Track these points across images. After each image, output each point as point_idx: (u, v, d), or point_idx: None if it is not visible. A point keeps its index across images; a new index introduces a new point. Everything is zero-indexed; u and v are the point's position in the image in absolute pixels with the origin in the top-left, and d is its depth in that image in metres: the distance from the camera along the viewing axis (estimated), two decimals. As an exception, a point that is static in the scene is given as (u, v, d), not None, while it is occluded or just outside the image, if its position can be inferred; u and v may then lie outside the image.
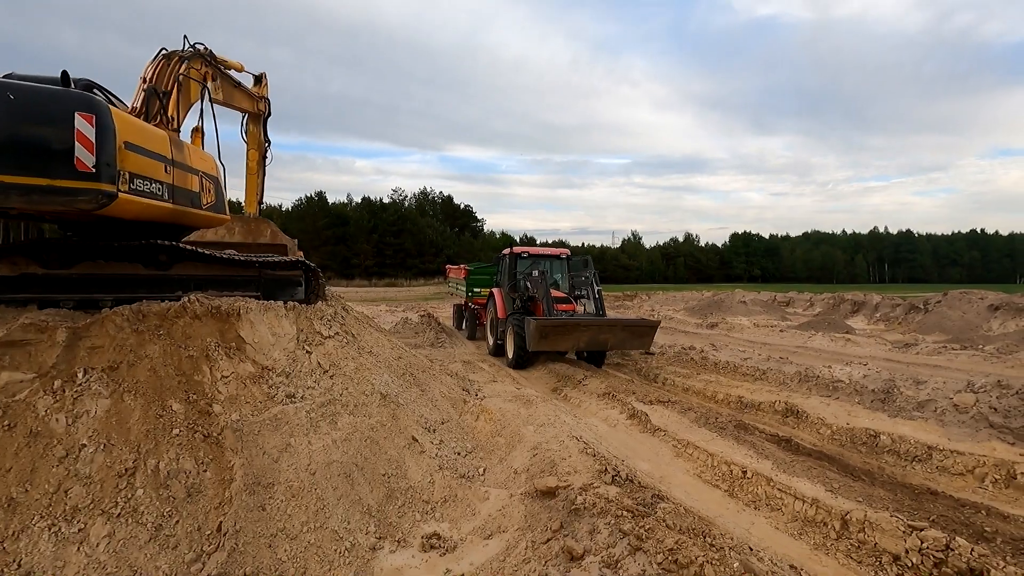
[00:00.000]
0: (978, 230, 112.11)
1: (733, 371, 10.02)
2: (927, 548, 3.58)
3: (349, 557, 3.59)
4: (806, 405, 7.29)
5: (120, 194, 3.63)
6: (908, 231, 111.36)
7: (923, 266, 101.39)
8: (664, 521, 3.61)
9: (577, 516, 3.76)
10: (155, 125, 4.81)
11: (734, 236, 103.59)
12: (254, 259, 5.31)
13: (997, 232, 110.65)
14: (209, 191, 5.12)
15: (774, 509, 4.64)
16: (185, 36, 5.55)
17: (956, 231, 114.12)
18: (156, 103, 4.94)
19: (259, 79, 7.40)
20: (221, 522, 3.49)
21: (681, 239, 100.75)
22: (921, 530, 3.73)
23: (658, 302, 32.46)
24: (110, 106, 3.65)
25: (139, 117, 4.77)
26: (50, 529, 3.16)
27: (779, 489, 4.75)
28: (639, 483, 4.50)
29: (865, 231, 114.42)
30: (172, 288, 4.75)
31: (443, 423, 5.67)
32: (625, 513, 3.66)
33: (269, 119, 7.66)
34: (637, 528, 3.47)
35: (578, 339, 9.83)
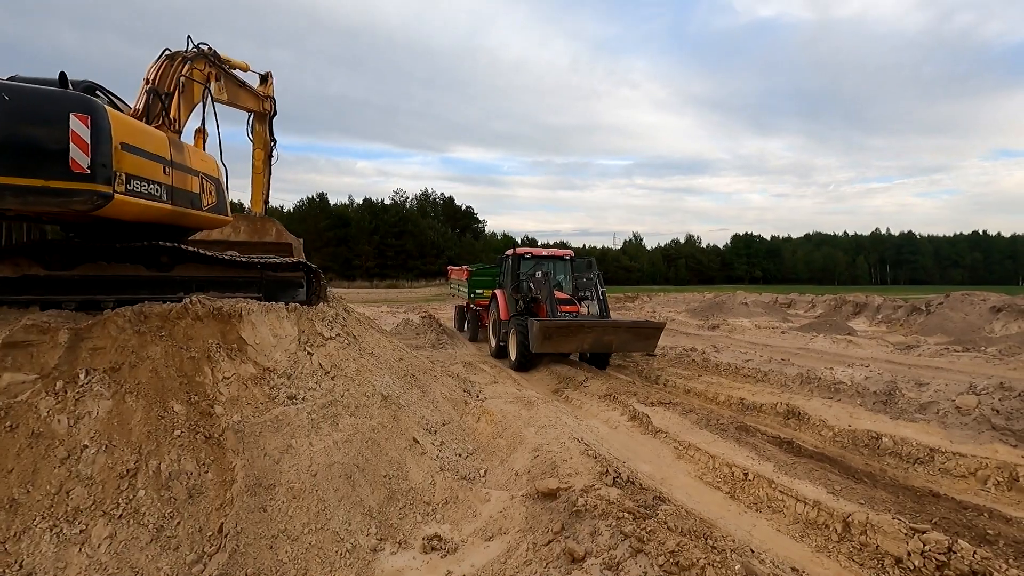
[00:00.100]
0: (980, 232, 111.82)
1: (734, 373, 10.00)
2: (929, 551, 3.57)
3: (350, 559, 3.59)
4: (808, 407, 7.28)
5: (116, 195, 3.62)
6: (910, 232, 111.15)
7: (925, 268, 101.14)
8: (665, 523, 3.61)
9: (578, 518, 3.75)
10: (157, 126, 4.82)
11: (735, 237, 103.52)
12: (256, 260, 5.31)
13: (999, 234, 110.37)
14: (210, 192, 5.12)
15: (776, 511, 4.63)
16: (189, 36, 5.55)
17: (958, 233, 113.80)
18: (158, 104, 4.95)
19: (265, 78, 7.40)
20: (222, 523, 3.49)
21: (682, 240, 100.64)
22: (923, 533, 3.72)
23: (659, 303, 32.43)
24: (107, 107, 3.64)
25: (141, 118, 4.78)
26: (52, 530, 3.17)
27: (781, 491, 4.74)
28: (640, 485, 4.50)
29: (867, 232, 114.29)
30: (174, 289, 4.75)
31: (444, 424, 5.67)
32: (626, 515, 3.65)
33: (275, 118, 7.66)
34: (638, 530, 3.46)
35: (582, 341, 9.72)
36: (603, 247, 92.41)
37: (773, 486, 4.83)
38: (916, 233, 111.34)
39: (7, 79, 3.78)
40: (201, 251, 4.89)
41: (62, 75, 3.82)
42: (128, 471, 3.50)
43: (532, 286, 11.24)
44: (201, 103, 5.67)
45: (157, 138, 4.31)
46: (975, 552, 3.46)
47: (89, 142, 3.42)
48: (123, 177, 3.70)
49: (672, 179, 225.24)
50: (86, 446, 3.51)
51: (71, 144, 3.37)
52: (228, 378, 4.27)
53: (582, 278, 12.10)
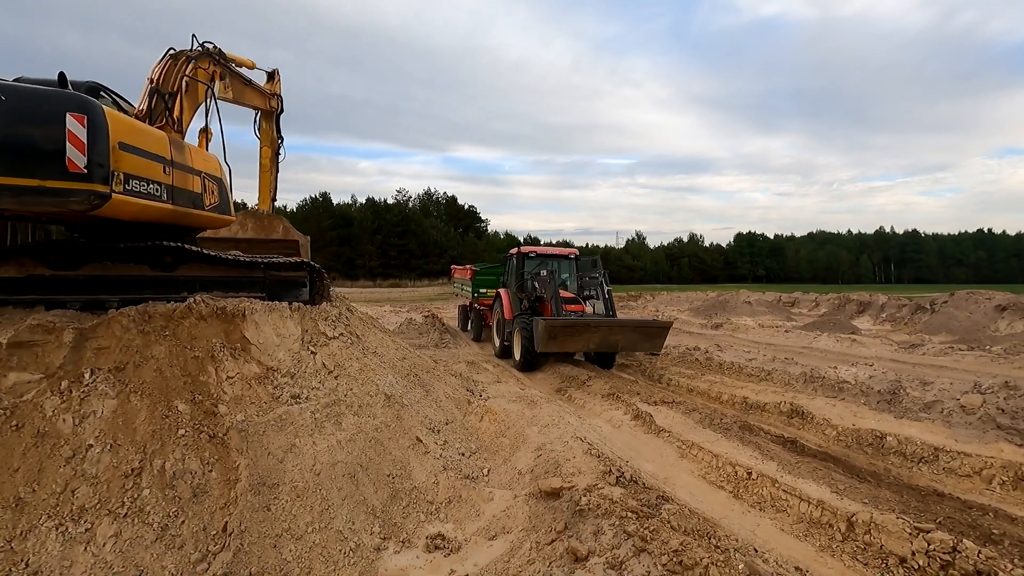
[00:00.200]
0: (985, 230, 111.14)
1: (738, 372, 9.98)
2: (934, 550, 3.56)
3: (354, 557, 3.60)
4: (811, 406, 7.26)
5: (114, 195, 3.62)
6: (914, 231, 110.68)
7: (929, 266, 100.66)
8: (669, 522, 3.60)
9: (581, 517, 3.75)
10: (160, 126, 4.83)
11: (738, 236, 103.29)
12: (259, 260, 5.33)
13: (1004, 232, 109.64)
14: (212, 192, 5.13)
15: (779, 510, 4.62)
16: (193, 35, 5.55)
17: (962, 231, 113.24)
18: (160, 104, 4.96)
19: (271, 75, 7.40)
20: (226, 522, 3.51)
21: (685, 239, 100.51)
22: (928, 532, 3.71)
23: (662, 302, 32.38)
24: (104, 107, 3.65)
25: (145, 119, 4.79)
26: (57, 529, 3.18)
27: (784, 490, 4.73)
28: (643, 484, 4.50)
29: (870, 231, 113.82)
30: (178, 289, 4.77)
31: (447, 424, 5.68)
32: (629, 514, 3.65)
33: (282, 116, 7.66)
34: (642, 529, 3.46)
35: (588, 340, 9.62)
36: (606, 246, 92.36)
37: (777, 485, 4.82)
38: (920, 231, 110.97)
39: (12, 80, 3.80)
40: (205, 251, 4.90)
41: (61, 75, 3.83)
42: (133, 470, 3.52)
43: (537, 285, 11.14)
44: (205, 102, 5.68)
45: (157, 138, 4.32)
46: (980, 552, 3.45)
47: (86, 142, 3.42)
48: (121, 177, 3.71)
49: (674, 178, 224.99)
50: (91, 445, 3.53)
51: (67, 144, 3.37)
52: (232, 377, 4.28)
53: (587, 277, 12.01)
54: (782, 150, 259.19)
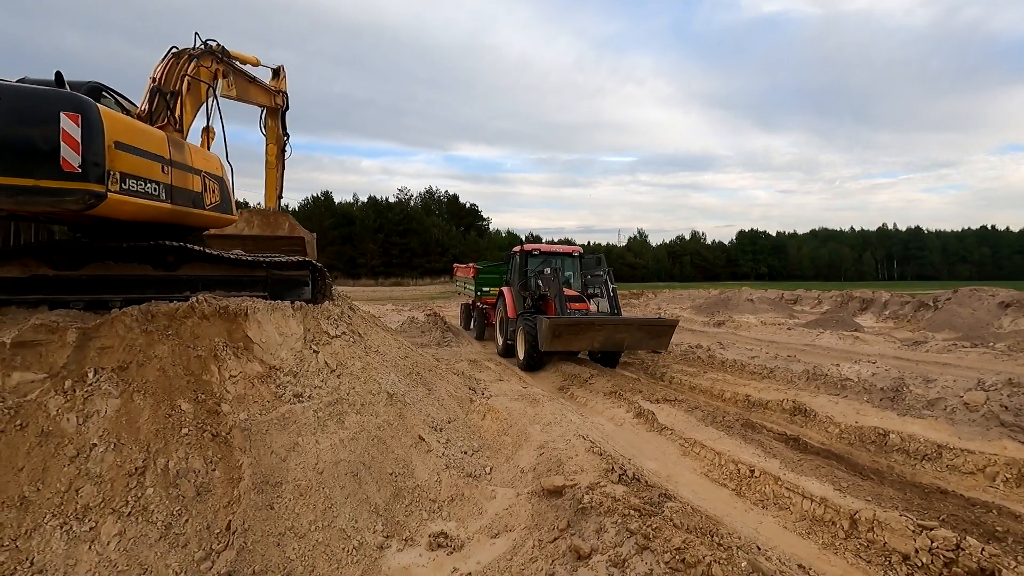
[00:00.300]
0: (988, 227, 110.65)
1: (740, 369, 9.97)
2: (937, 548, 3.55)
3: (357, 556, 3.61)
4: (814, 403, 7.25)
5: (110, 194, 3.61)
6: (917, 228, 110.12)
7: (932, 263, 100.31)
8: (671, 520, 3.61)
9: (584, 515, 3.75)
10: (161, 126, 4.84)
11: (741, 234, 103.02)
12: (261, 259, 5.34)
13: (1008, 229, 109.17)
14: (213, 191, 5.14)
15: (782, 508, 4.62)
16: (197, 34, 5.53)
17: (966, 228, 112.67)
18: (161, 103, 4.96)
19: (276, 72, 7.39)
20: (230, 521, 3.52)
21: (687, 237, 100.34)
22: (931, 529, 3.70)
23: (665, 300, 32.38)
24: (100, 106, 3.64)
25: (147, 118, 4.80)
26: (62, 527, 3.20)
27: (787, 488, 4.72)
28: (646, 482, 4.50)
29: (873, 228, 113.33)
30: (180, 288, 4.78)
31: (450, 422, 5.69)
32: (632, 512, 3.65)
33: (287, 112, 7.65)
34: (644, 527, 3.46)
35: (593, 339, 9.48)
36: (608, 244, 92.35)
37: (779, 483, 4.82)
38: (923, 228, 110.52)
39: (16, 81, 3.81)
40: (207, 250, 4.91)
41: (58, 75, 3.84)
42: (137, 469, 3.53)
43: (540, 283, 11.03)
44: (206, 101, 5.67)
45: (155, 137, 4.31)
46: (983, 549, 3.44)
47: (80, 141, 3.42)
48: (117, 176, 3.70)
49: (677, 176, 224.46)
50: (95, 444, 3.54)
51: (62, 143, 3.37)
52: (235, 376, 4.29)
53: (591, 275, 11.88)
54: (785, 147, 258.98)
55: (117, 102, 4.82)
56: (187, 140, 5.22)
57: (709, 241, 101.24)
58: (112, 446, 3.57)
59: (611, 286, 10.74)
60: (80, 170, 3.42)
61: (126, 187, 3.80)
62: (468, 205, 79.42)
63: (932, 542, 3.59)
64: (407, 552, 3.79)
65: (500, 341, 12.45)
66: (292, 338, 4.94)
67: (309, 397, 4.54)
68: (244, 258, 5.26)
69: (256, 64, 6.77)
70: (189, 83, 5.29)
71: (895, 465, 5.62)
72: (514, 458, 5.18)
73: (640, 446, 6.22)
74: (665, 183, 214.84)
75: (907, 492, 4.80)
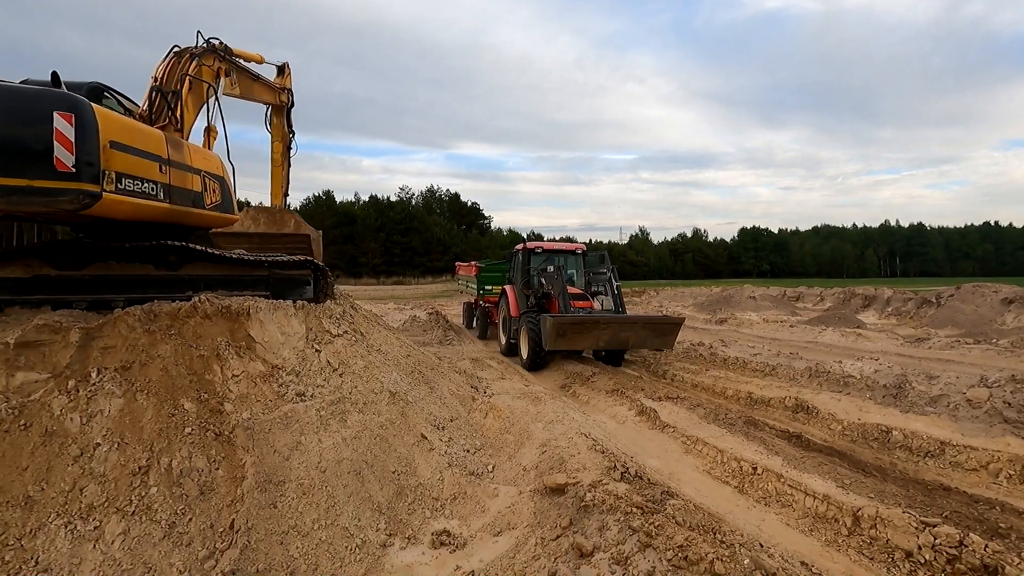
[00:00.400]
0: (991, 223, 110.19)
1: (742, 367, 9.96)
2: (940, 544, 3.55)
3: (360, 554, 3.62)
4: (817, 401, 7.24)
5: (105, 194, 3.60)
6: (919, 224, 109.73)
7: (935, 260, 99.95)
8: (674, 518, 3.61)
9: (586, 513, 3.76)
10: (163, 125, 4.84)
11: (742, 231, 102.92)
12: (263, 259, 5.34)
13: (1011, 225, 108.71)
14: (214, 191, 5.13)
15: (785, 505, 4.62)
16: (199, 32, 5.51)
17: (969, 224, 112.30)
18: (162, 103, 4.95)
19: (281, 69, 7.37)
20: (233, 519, 3.53)
21: (689, 235, 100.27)
22: (934, 526, 3.70)
23: (666, 298, 32.33)
24: (96, 106, 3.63)
25: (148, 118, 4.80)
26: (66, 527, 3.21)
27: (790, 485, 4.72)
28: (648, 480, 4.50)
29: (875, 225, 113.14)
30: (183, 288, 4.79)
31: (452, 420, 5.69)
32: (634, 510, 3.66)
33: (293, 110, 7.64)
34: (647, 525, 3.47)
35: (597, 337, 9.35)
36: (610, 242, 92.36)
37: (782, 480, 4.82)
38: (926, 225, 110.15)
39: (19, 82, 3.81)
40: (209, 250, 4.92)
41: (54, 75, 3.83)
42: (140, 468, 3.54)
43: (543, 281, 10.94)
44: (207, 101, 5.67)
45: (152, 136, 4.30)
46: (986, 546, 3.44)
47: (74, 140, 3.40)
48: (113, 176, 3.68)
49: (678, 173, 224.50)
50: (99, 444, 3.55)
51: (55, 143, 3.35)
52: (237, 376, 4.30)
53: (594, 273, 11.76)
54: (786, 144, 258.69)
55: (119, 102, 4.82)
56: (189, 140, 5.22)
57: (711, 238, 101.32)
58: (116, 445, 3.58)
59: (615, 284, 10.59)
60: (74, 170, 3.41)
61: (122, 187, 3.78)
62: (470, 203, 79.55)
63: (935, 539, 3.59)
64: (410, 550, 3.80)
65: (503, 340, 12.36)
66: (294, 337, 4.95)
67: (311, 396, 4.55)
68: (246, 257, 5.27)
69: (260, 61, 6.74)
70: (190, 82, 5.28)
71: (898, 462, 5.61)
72: (516, 456, 5.18)
73: (642, 444, 6.23)
74: (667, 181, 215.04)
75: (910, 489, 4.80)
